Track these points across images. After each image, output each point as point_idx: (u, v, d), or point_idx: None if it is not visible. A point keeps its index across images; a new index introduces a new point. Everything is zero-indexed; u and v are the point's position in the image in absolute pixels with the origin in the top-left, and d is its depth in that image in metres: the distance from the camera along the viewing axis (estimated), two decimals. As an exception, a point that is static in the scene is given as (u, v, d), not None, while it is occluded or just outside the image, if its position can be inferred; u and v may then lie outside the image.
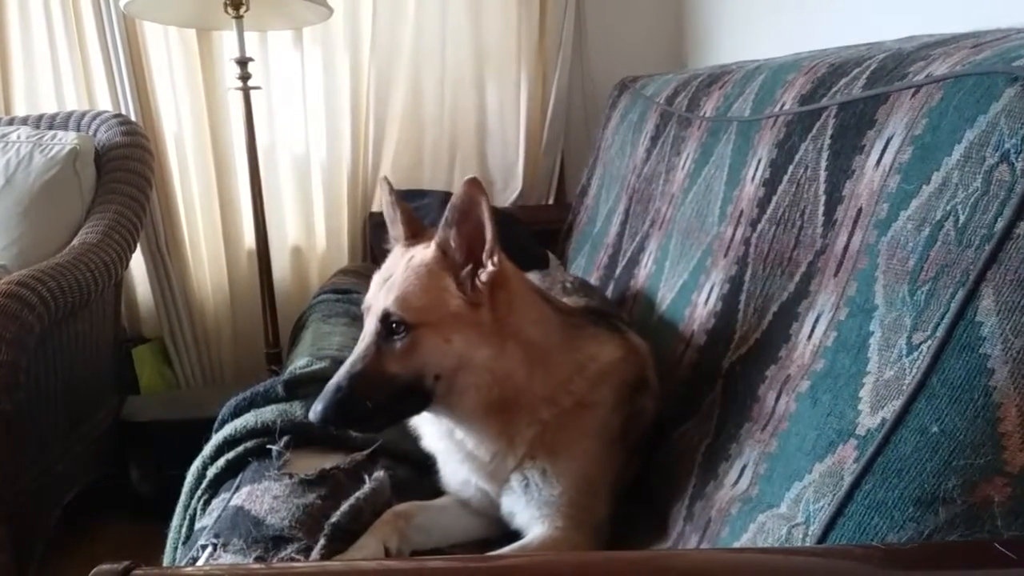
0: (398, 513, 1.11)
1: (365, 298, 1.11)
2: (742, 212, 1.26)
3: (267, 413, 1.33)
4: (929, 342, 0.73)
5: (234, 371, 2.73)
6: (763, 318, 1.09)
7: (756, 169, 1.25)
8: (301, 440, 1.28)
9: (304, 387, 1.40)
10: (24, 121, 2.32)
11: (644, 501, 1.21)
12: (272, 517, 1.06)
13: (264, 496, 1.11)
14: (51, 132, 2.21)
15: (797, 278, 1.04)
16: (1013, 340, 0.66)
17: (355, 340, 1.10)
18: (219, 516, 1.11)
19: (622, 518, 1.16)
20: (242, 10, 2.14)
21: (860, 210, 0.94)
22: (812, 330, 0.96)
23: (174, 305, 2.59)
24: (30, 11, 2.43)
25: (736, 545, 0.90)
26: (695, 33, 2.64)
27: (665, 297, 1.47)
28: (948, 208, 0.77)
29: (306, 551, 1.00)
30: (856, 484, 0.75)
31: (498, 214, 1.07)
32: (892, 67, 1.00)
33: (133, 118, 2.40)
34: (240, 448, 1.28)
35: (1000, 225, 0.70)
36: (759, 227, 1.19)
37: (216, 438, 1.33)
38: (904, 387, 0.74)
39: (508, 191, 2.79)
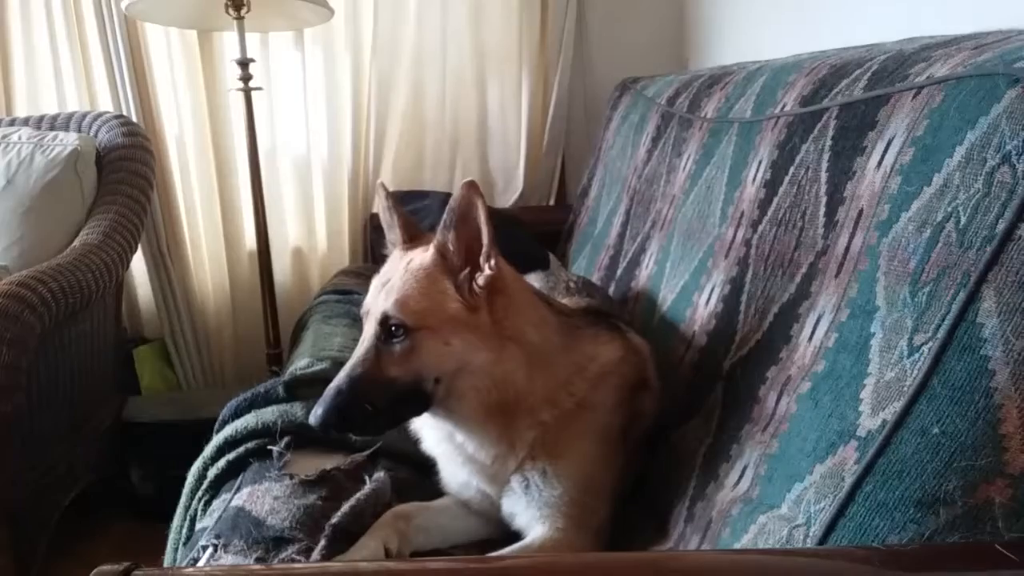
0: (398, 514, 1.11)
1: (364, 302, 1.11)
2: (743, 213, 1.26)
3: (268, 414, 1.34)
4: (930, 343, 0.73)
5: (235, 372, 2.73)
6: (764, 319, 1.09)
7: (757, 170, 1.25)
8: (302, 441, 1.28)
9: (305, 388, 1.40)
10: (25, 122, 2.32)
11: (645, 502, 1.20)
12: (273, 518, 1.06)
13: (265, 497, 1.11)
14: (52, 133, 2.21)
15: (798, 279, 1.04)
16: (1014, 342, 0.66)
17: (356, 341, 1.10)
18: (220, 517, 1.11)
19: (623, 519, 1.16)
20: (243, 11, 2.14)
21: (861, 211, 0.93)
22: (813, 331, 0.96)
23: (175, 306, 2.59)
24: (31, 12, 2.44)
25: (737, 546, 0.90)
26: (696, 34, 2.64)
27: (666, 298, 1.47)
28: (949, 209, 0.77)
29: (307, 552, 1.00)
30: (857, 485, 0.75)
31: (497, 216, 1.07)
32: (893, 68, 1.00)
33: (134, 119, 2.41)
34: (241, 449, 1.28)
35: (1001, 227, 0.70)
36: (760, 228, 1.19)
37: (217, 439, 1.33)
38: (905, 388, 0.74)
39: (509, 192, 2.79)
